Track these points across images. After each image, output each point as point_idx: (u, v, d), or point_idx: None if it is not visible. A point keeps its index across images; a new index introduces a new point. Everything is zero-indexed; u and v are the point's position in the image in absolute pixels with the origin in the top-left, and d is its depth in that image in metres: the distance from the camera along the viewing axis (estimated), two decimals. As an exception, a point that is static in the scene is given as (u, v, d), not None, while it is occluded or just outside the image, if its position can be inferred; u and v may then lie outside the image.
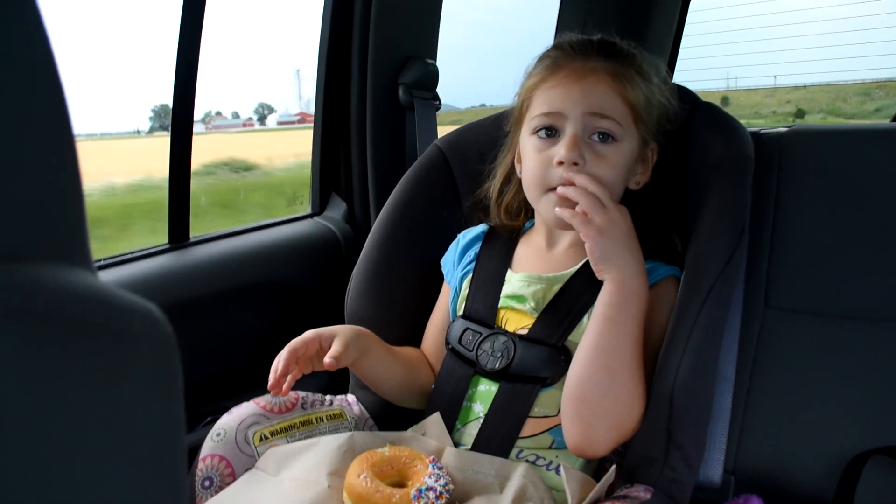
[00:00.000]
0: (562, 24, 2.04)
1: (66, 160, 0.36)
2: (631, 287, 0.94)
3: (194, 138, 1.40)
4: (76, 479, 0.32)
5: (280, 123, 5.61)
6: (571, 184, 0.96)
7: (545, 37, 2.06)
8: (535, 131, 1.04)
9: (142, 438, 0.35)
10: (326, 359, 1.00)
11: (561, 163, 0.99)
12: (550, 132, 1.02)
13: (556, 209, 0.97)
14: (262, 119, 5.62)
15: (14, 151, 0.33)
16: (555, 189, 1.00)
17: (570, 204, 0.96)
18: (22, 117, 0.34)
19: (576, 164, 0.98)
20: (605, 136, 1.00)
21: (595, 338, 0.94)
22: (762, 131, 1.26)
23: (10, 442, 0.29)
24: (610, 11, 2.01)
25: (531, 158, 1.04)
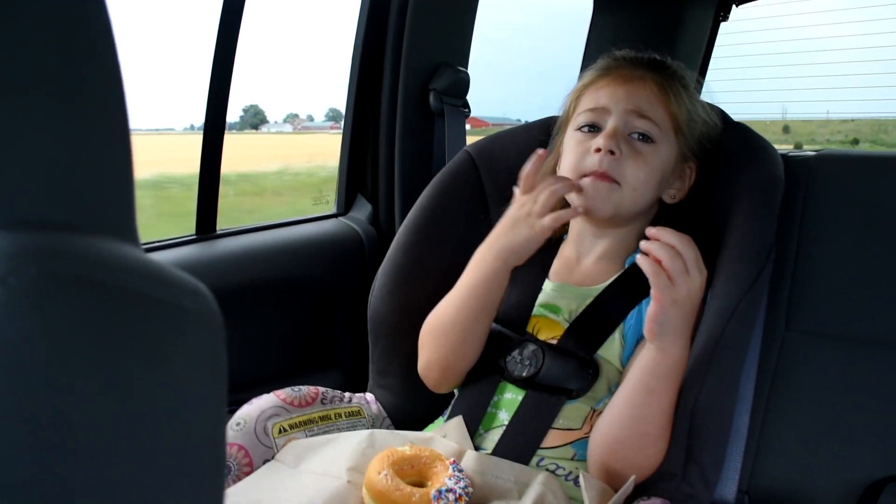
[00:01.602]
0: (591, 44, 2.06)
1: (120, 139, 0.37)
2: (679, 359, 0.91)
3: (304, 138, 1.41)
4: (125, 448, 0.32)
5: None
6: (657, 240, 0.88)
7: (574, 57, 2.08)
8: (579, 127, 1.07)
9: (189, 412, 0.35)
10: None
11: (598, 150, 1.01)
12: (593, 128, 1.06)
13: (639, 257, 0.88)
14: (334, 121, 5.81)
15: (76, 129, 0.34)
16: (587, 175, 1.02)
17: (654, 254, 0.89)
18: (82, 96, 0.35)
19: (612, 152, 1.01)
20: (644, 137, 1.03)
21: (634, 408, 0.92)
22: (790, 154, 1.26)
23: (57, 407, 0.30)
24: (639, 31, 2.02)
25: (570, 150, 1.07)
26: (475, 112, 1.68)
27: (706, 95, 1.16)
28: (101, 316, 0.31)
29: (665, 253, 0.87)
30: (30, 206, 0.33)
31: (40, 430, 0.29)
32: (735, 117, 1.18)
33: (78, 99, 0.35)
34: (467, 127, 1.65)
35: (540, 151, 1.03)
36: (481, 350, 1.08)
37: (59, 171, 0.34)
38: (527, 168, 1.03)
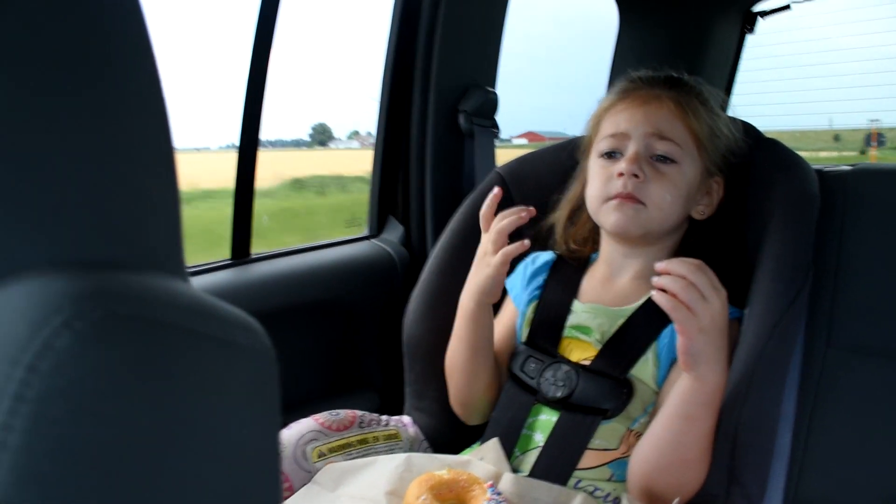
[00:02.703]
0: (618, 59, 2.06)
1: (167, 172, 0.38)
2: (718, 384, 0.90)
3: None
4: (180, 483, 0.33)
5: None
6: (667, 273, 0.87)
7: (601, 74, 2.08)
8: (601, 154, 1.08)
9: (243, 446, 0.36)
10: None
11: (621, 174, 1.02)
12: (614, 154, 1.06)
13: (654, 294, 0.87)
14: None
15: (121, 164, 0.35)
16: (613, 198, 1.03)
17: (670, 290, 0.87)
18: (128, 130, 0.36)
19: (636, 175, 1.01)
20: (666, 158, 1.03)
21: (674, 434, 0.91)
22: (826, 169, 1.25)
23: (121, 442, 0.30)
24: (666, 44, 2.02)
25: (595, 176, 1.08)
26: (532, 127, 1.68)
27: (730, 110, 1.15)
28: (157, 353, 0.32)
29: (677, 285, 0.86)
30: (83, 245, 0.34)
31: (100, 462, 0.30)
32: (781, 128, 1.17)
33: (122, 134, 0.35)
34: (524, 141, 1.66)
35: (495, 191, 1.06)
36: (496, 384, 1.12)
37: (107, 208, 0.35)
38: (484, 208, 1.06)
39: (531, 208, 1.03)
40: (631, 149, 1.04)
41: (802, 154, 1.17)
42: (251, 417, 0.37)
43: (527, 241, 1.01)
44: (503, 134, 1.69)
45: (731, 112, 1.17)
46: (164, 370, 0.32)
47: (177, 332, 0.33)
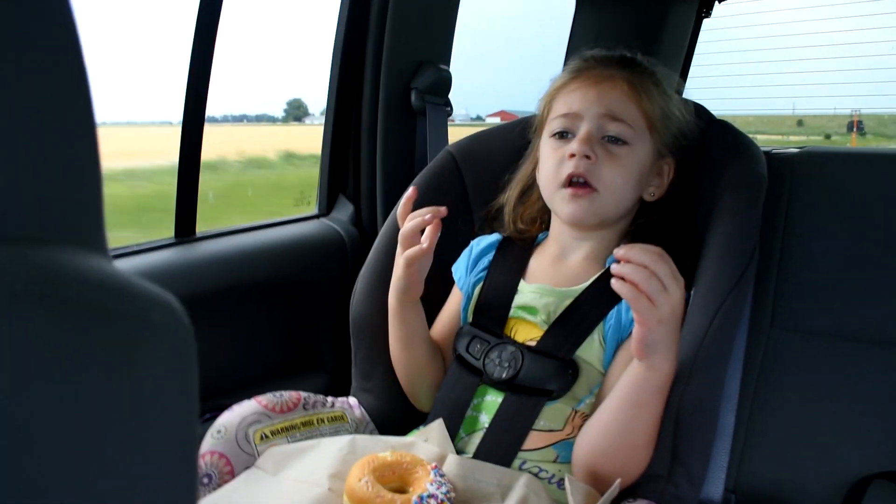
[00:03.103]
0: (575, 39, 2.05)
1: (86, 141, 0.36)
2: (669, 373, 0.88)
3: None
4: (90, 466, 0.31)
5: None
6: (627, 261, 0.83)
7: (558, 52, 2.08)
8: (553, 134, 1.07)
9: (157, 429, 0.34)
10: (424, 240, 1.01)
11: (573, 155, 1.01)
12: (566, 134, 1.06)
13: (614, 282, 0.83)
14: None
15: (37, 133, 0.33)
16: (565, 183, 1.03)
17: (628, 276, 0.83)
18: (46, 100, 0.34)
19: (587, 157, 1.01)
20: (618, 139, 1.03)
21: (623, 421, 0.90)
22: (773, 151, 1.26)
23: (24, 429, 0.29)
24: (623, 25, 2.02)
25: (547, 157, 1.07)
26: (505, 106, 1.66)
27: (686, 93, 1.15)
28: (63, 333, 0.30)
29: (639, 275, 0.82)
30: None
31: (2, 452, 0.28)
32: (744, 113, 1.18)
33: (40, 104, 0.33)
34: (497, 120, 1.64)
35: (409, 192, 1.06)
36: (437, 374, 1.12)
37: (19, 178, 0.33)
38: (399, 208, 1.06)
39: (441, 208, 1.01)
40: (583, 129, 1.03)
41: (774, 139, 1.19)
42: (166, 400, 0.35)
43: (425, 245, 1.00)
44: (476, 112, 1.67)
45: (686, 96, 1.17)
46: (66, 351, 0.30)
47: (82, 309, 0.31)
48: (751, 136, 1.14)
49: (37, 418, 0.29)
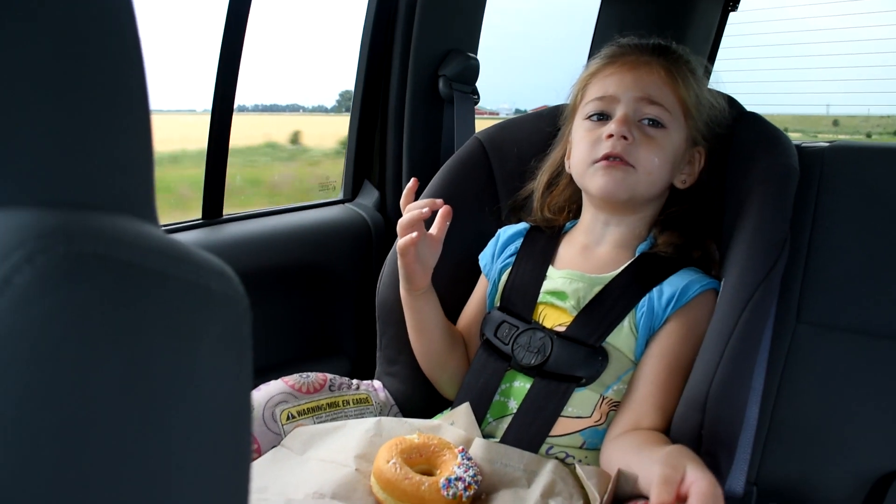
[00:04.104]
0: (600, 33, 2.04)
1: (139, 115, 0.37)
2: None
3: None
4: (151, 430, 0.32)
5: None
6: None
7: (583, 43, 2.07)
8: (588, 116, 1.07)
9: (215, 396, 0.35)
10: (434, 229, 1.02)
11: (610, 136, 1.02)
12: (602, 116, 1.06)
13: None
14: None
15: (94, 108, 0.34)
16: (600, 160, 1.03)
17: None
18: (102, 75, 0.34)
19: (625, 137, 1.01)
20: (655, 122, 1.03)
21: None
22: (804, 145, 1.25)
23: (85, 387, 0.29)
24: (648, 18, 2.01)
25: (581, 139, 1.07)
26: (549, 101, 1.64)
27: (715, 85, 1.15)
28: (127, 295, 0.31)
29: None
30: (52, 184, 0.33)
31: (64, 406, 0.29)
32: (779, 110, 1.18)
33: (95, 74, 0.34)
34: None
35: (411, 183, 1.05)
36: (457, 362, 1.13)
37: (78, 148, 0.34)
38: (402, 199, 1.05)
39: (438, 201, 1.02)
40: (620, 111, 1.03)
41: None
42: (223, 365, 0.36)
43: (415, 234, 1.00)
44: (517, 107, 1.67)
45: (719, 87, 1.16)
46: (130, 311, 0.31)
47: (145, 272, 0.32)
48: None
49: (95, 378, 0.29)
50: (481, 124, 1.34)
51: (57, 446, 0.28)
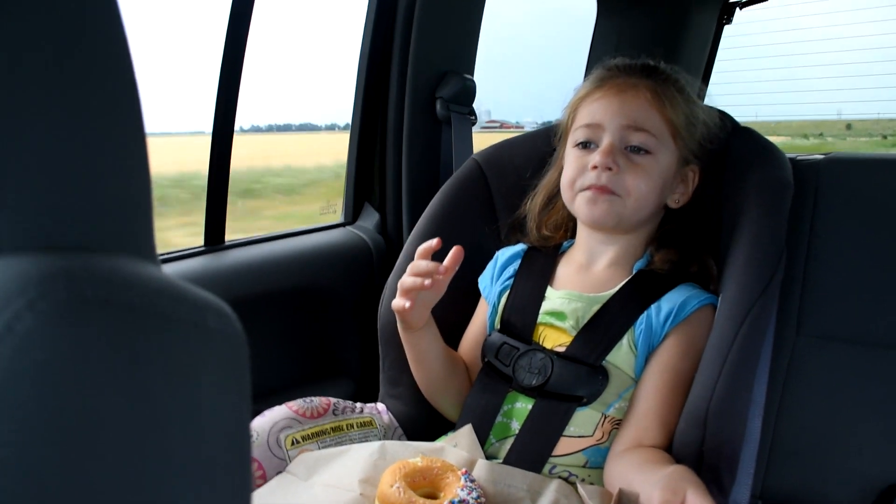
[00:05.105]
0: (596, 48, 2.06)
1: (137, 153, 0.37)
2: None
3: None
4: (152, 465, 0.32)
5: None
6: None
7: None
8: (576, 144, 1.08)
9: (214, 430, 0.35)
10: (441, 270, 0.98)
11: (595, 167, 1.03)
12: (589, 145, 1.07)
13: None
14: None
15: (91, 147, 0.35)
16: (587, 188, 1.04)
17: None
18: (98, 112, 0.35)
19: (609, 168, 1.02)
20: (640, 150, 1.04)
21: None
22: (798, 158, 1.26)
23: (88, 428, 0.30)
24: (644, 33, 2.03)
25: (569, 165, 1.09)
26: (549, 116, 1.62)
27: (707, 100, 1.16)
28: (128, 338, 0.31)
29: None
30: (51, 228, 0.33)
31: (67, 448, 0.29)
32: (791, 118, 1.19)
33: (92, 116, 0.35)
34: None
35: (435, 242, 1.01)
36: (457, 388, 1.13)
37: (77, 190, 0.34)
38: (418, 251, 1.01)
39: (441, 267, 0.98)
40: (605, 141, 1.04)
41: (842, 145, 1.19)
42: (223, 402, 0.36)
43: (407, 304, 0.99)
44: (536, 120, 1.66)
45: (727, 103, 1.17)
46: (132, 354, 0.31)
47: (146, 315, 0.32)
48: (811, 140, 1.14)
49: (103, 417, 0.30)
50: (505, 138, 1.34)
51: (60, 487, 0.29)
